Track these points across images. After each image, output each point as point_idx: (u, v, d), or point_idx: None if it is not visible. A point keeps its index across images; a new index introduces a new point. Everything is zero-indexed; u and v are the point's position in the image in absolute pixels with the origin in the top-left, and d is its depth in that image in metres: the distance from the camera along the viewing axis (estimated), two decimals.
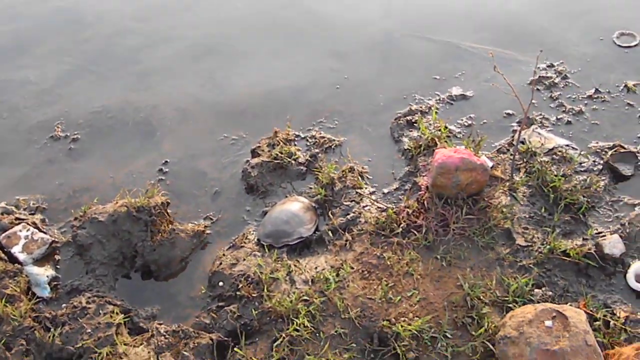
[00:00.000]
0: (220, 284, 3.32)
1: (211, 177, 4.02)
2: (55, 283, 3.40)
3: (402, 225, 3.44)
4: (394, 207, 3.61)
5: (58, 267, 3.51)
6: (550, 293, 3.13)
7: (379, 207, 3.64)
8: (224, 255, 3.47)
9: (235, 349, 3.01)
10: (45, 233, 3.61)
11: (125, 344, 3.02)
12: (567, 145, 3.96)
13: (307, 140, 4.21)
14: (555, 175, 3.65)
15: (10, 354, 2.96)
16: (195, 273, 3.51)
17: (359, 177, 3.86)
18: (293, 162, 4.00)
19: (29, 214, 3.78)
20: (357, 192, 3.76)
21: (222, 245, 3.60)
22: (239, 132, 4.32)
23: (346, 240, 3.45)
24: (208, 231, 3.69)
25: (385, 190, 3.81)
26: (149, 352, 2.97)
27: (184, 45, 5.18)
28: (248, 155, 4.13)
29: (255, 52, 5.06)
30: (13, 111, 4.62)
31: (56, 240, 3.60)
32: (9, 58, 5.14)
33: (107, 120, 4.50)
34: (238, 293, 3.22)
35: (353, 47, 5.05)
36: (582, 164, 3.83)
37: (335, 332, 3.02)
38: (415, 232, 3.40)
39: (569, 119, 4.21)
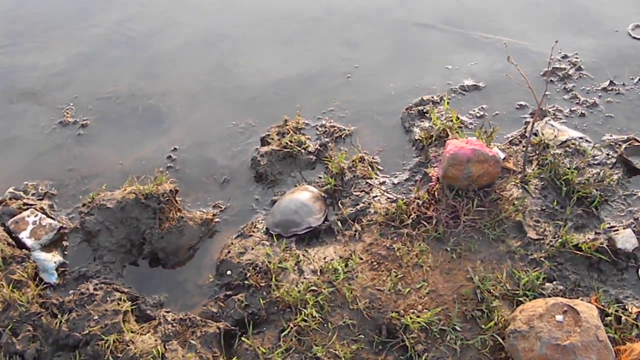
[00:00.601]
0: (228, 272, 3.31)
1: (220, 165, 4.01)
2: (62, 269, 3.40)
3: (412, 217, 3.41)
4: (404, 198, 3.58)
5: (66, 253, 3.50)
6: (562, 287, 3.10)
7: (389, 198, 3.61)
8: (232, 243, 3.45)
9: (243, 338, 3.00)
10: (53, 219, 3.61)
11: (132, 332, 3.02)
12: (581, 138, 3.91)
13: (317, 129, 4.18)
14: (568, 168, 3.62)
15: (17, 340, 2.96)
16: (203, 261, 3.50)
17: (369, 167, 3.83)
18: (303, 151, 3.97)
19: (37, 200, 3.78)
20: (367, 182, 3.73)
21: (231, 233, 3.59)
22: (249, 120, 4.30)
23: (355, 231, 3.43)
24: (216, 219, 3.67)
25: (396, 181, 3.78)
26: (155, 340, 2.96)
27: (194, 32, 5.15)
28: (257, 143, 4.10)
29: (265, 40, 5.02)
30: (22, 96, 4.61)
31: (64, 226, 3.60)
32: (18, 43, 5.13)
33: (116, 106, 4.48)
34: (246, 282, 3.21)
35: (364, 35, 5.00)
36: (596, 157, 3.79)
37: (344, 323, 3.00)
38: (425, 223, 3.37)
39: (583, 111, 4.16)
